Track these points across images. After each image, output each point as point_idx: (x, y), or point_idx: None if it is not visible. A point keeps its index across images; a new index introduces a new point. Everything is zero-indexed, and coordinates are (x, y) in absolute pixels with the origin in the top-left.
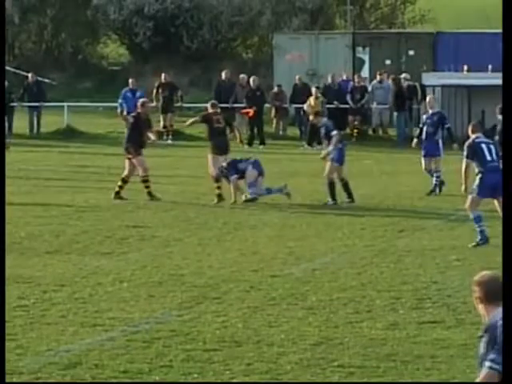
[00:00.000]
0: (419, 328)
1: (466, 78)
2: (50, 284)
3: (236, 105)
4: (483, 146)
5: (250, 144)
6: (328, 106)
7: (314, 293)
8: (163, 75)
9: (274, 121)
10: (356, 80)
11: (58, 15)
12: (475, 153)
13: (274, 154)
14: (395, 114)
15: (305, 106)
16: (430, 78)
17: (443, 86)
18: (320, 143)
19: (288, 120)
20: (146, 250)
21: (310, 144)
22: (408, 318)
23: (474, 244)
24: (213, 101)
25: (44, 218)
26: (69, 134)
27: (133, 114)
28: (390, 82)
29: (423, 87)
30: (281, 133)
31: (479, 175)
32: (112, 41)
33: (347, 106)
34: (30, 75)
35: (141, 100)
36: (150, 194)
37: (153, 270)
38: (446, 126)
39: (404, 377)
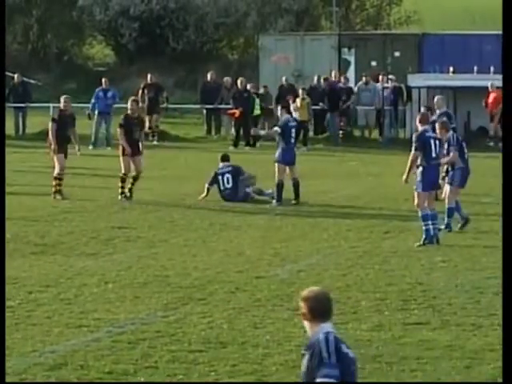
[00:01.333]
0: (404, 329)
1: (451, 79)
2: (36, 285)
3: (222, 106)
4: (431, 141)
5: (235, 145)
6: (314, 107)
7: (300, 294)
8: (149, 76)
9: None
10: (342, 81)
11: (43, 16)
12: (424, 147)
13: (260, 155)
14: (328, 115)
15: (292, 108)
16: (415, 80)
17: (429, 88)
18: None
19: (273, 121)
20: (132, 251)
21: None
22: (393, 319)
23: (419, 244)
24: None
25: (29, 219)
26: None
27: (57, 112)
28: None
29: (409, 88)
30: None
31: (420, 169)
32: (97, 42)
33: None
34: (16, 76)
35: (63, 96)
36: (59, 192)
37: (138, 271)
38: (452, 125)
39: (389, 378)
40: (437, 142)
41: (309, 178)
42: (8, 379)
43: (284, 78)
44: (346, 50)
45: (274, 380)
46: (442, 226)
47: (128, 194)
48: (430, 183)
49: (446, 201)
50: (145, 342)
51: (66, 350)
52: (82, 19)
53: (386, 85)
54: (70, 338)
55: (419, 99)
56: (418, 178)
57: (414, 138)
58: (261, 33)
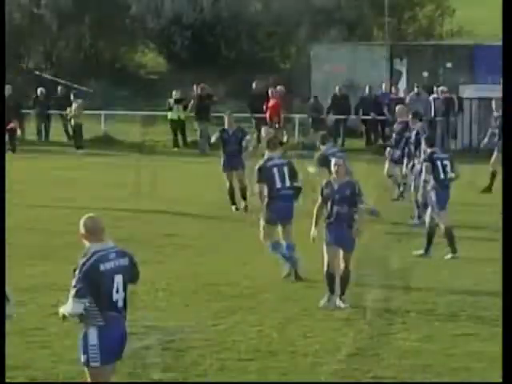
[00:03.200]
0: (454, 340)
1: None
2: None
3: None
4: (274, 170)
5: None
6: (365, 117)
7: (349, 304)
8: (199, 85)
9: (311, 131)
10: (393, 92)
11: (96, 23)
12: (266, 177)
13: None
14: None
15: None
16: (467, 91)
17: (480, 99)
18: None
19: (325, 131)
20: (182, 258)
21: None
22: (443, 329)
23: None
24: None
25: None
26: (106, 142)
27: None
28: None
29: (460, 100)
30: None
31: (266, 200)
32: (150, 50)
33: (384, 117)
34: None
35: None
36: None
37: (188, 279)
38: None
39: None
40: (284, 169)
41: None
42: None
43: (337, 88)
44: (397, 60)
45: None
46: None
47: None
48: (275, 214)
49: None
50: (194, 350)
51: None
52: (134, 27)
53: (436, 96)
54: None
55: (471, 110)
56: (264, 209)
57: (256, 169)
58: (313, 42)
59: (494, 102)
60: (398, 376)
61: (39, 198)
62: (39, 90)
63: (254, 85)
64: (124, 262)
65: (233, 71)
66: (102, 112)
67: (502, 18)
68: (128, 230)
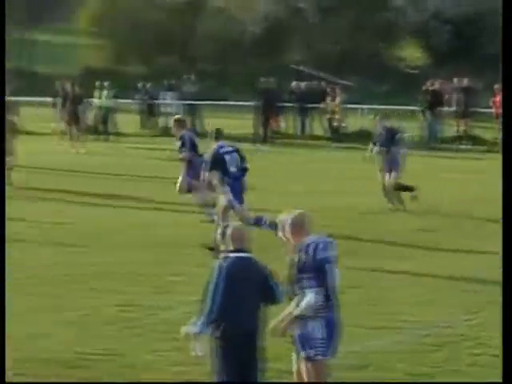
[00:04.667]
0: None
1: None
2: None
3: None
4: (227, 157)
5: None
6: None
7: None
8: (461, 79)
9: None
10: None
11: (355, 17)
12: (220, 164)
13: None
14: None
15: None
16: None
17: None
18: None
19: None
20: (430, 254)
21: None
22: None
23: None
24: None
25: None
26: (364, 137)
27: None
28: None
29: None
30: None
31: (226, 186)
32: (409, 44)
33: None
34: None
35: None
36: None
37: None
38: None
39: None
40: (234, 154)
41: None
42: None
43: None
44: None
45: None
46: None
47: None
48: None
49: None
50: (447, 346)
51: (368, 351)
52: (395, 21)
53: None
54: (370, 339)
55: None
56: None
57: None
58: None
59: None
60: None
61: (296, 187)
62: (298, 84)
63: None
64: (335, 253)
65: (492, 66)
66: (364, 106)
67: (502, 18)
68: (381, 225)
